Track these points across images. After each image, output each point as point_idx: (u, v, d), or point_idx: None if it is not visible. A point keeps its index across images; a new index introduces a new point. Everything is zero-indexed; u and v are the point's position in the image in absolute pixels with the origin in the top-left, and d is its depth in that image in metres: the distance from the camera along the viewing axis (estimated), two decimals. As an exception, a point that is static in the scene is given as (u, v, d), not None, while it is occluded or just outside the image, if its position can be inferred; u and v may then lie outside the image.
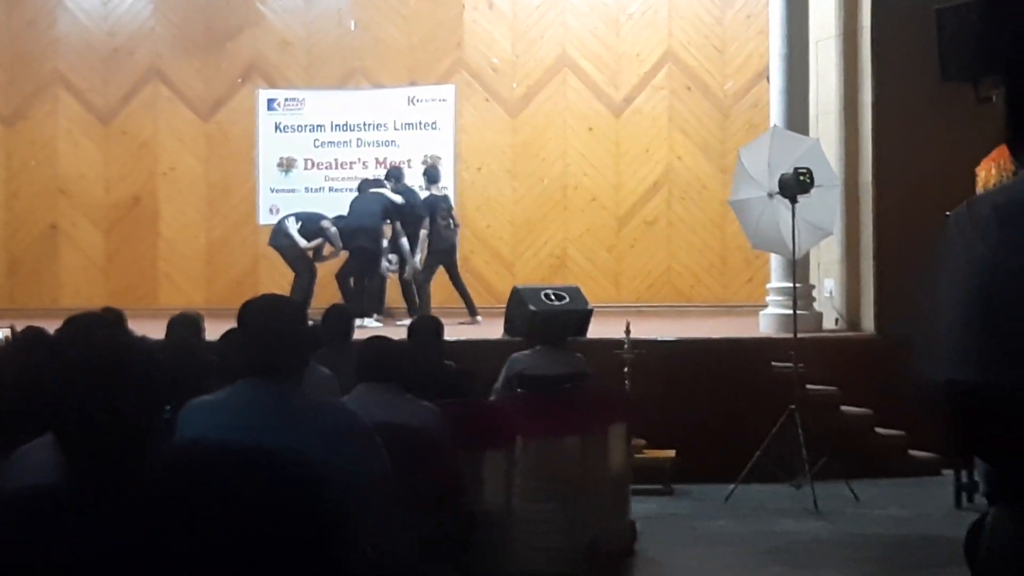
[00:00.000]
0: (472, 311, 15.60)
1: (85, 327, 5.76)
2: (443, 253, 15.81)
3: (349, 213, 15.91)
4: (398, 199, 15.83)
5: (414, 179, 16.90)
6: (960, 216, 2.60)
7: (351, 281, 15.87)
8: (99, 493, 2.70)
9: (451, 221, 15.91)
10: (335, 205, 16.54)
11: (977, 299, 2.50)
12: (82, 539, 2.63)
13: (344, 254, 16.10)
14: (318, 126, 18.37)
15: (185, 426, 4.36)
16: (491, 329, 13.61)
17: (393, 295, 16.27)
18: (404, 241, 15.86)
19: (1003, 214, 2.54)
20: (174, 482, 2.74)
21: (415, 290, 15.84)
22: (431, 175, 16.19)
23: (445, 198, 16.00)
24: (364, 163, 17.64)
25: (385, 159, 17.86)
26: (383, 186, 16.06)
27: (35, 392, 3.02)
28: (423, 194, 16.07)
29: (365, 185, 16.20)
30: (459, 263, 16.47)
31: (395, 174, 16.38)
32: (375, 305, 15.73)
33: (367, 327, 14.03)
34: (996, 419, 2.49)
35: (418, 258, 15.81)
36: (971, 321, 2.50)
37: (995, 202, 2.60)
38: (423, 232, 15.68)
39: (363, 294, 15.70)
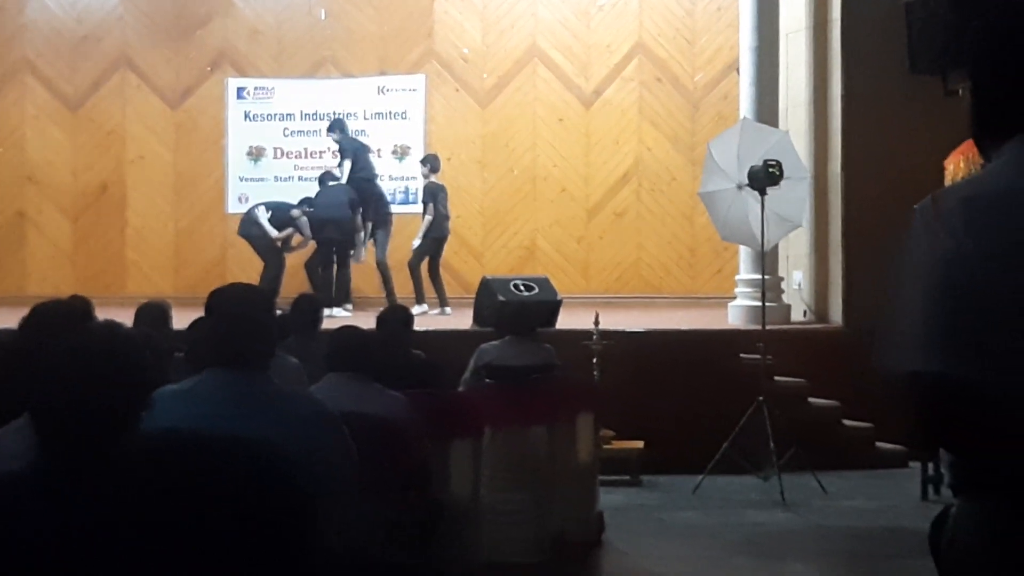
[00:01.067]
0: (443, 302, 15.59)
1: (55, 316, 5.72)
2: (438, 240, 15.84)
3: (316, 205, 15.90)
4: (347, 159, 15.95)
5: (386, 167, 16.95)
6: (926, 209, 2.61)
7: (320, 270, 15.84)
8: (71, 480, 2.70)
9: (448, 210, 15.98)
10: (304, 194, 16.51)
11: (942, 292, 2.51)
12: (51, 526, 2.62)
13: (312, 244, 16.10)
14: (288, 115, 18.33)
15: (152, 414, 4.35)
16: (460, 319, 13.62)
17: (361, 284, 16.27)
18: (360, 235, 15.89)
19: (969, 208, 2.56)
20: (144, 470, 2.74)
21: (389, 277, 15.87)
22: (433, 164, 16.18)
23: (443, 187, 16.00)
24: (333, 152, 17.56)
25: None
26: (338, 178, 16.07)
27: (25, 377, 3.02)
28: (423, 182, 16.11)
29: (327, 177, 16.16)
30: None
31: (338, 125, 16.49)
32: (344, 295, 15.72)
33: (336, 316, 14.03)
34: (961, 411, 2.50)
35: (417, 243, 15.81)
36: (936, 314, 2.51)
37: (961, 196, 2.62)
38: (427, 218, 15.67)
39: (332, 284, 15.69)
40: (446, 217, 15.88)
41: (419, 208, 16.11)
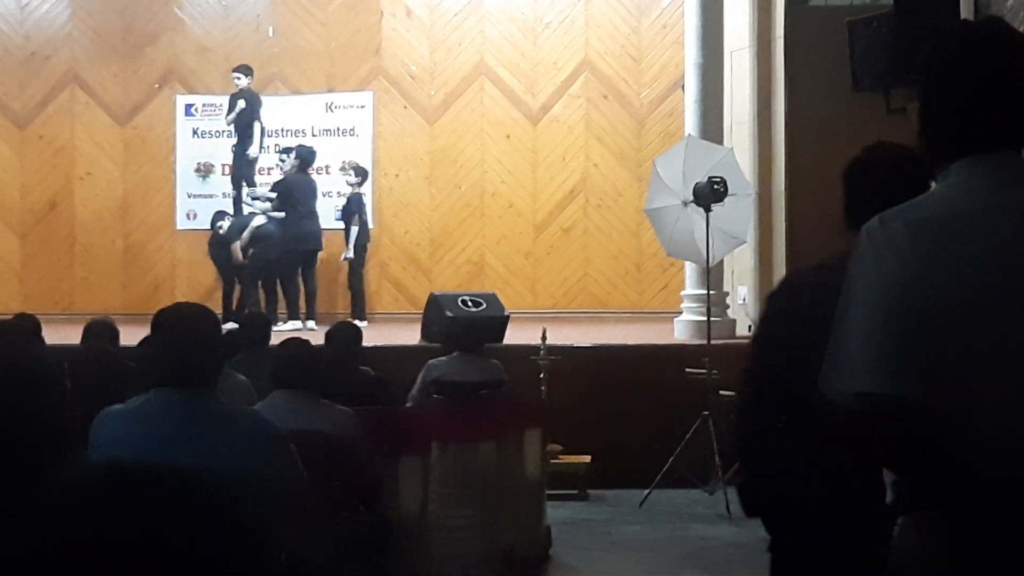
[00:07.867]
0: (361, 315, 15.65)
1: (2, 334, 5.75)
2: (365, 249, 15.97)
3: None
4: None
5: (335, 184, 17.00)
6: (873, 231, 2.67)
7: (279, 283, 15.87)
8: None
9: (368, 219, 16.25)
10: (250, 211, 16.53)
11: (889, 314, 2.57)
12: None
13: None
14: (236, 132, 18.31)
15: (98, 435, 4.38)
16: (408, 335, 13.64)
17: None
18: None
19: (915, 232, 2.62)
20: (84, 503, 2.73)
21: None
22: (364, 176, 16.35)
23: (362, 196, 16.27)
24: (282, 169, 17.58)
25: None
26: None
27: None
28: (348, 190, 16.28)
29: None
30: (377, 268, 16.64)
31: (244, 68, 16.82)
32: (308, 310, 15.71)
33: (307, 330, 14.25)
34: (906, 431, 2.57)
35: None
36: (883, 336, 2.57)
37: (908, 218, 2.68)
38: (354, 229, 15.80)
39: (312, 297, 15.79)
40: (368, 226, 16.27)
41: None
